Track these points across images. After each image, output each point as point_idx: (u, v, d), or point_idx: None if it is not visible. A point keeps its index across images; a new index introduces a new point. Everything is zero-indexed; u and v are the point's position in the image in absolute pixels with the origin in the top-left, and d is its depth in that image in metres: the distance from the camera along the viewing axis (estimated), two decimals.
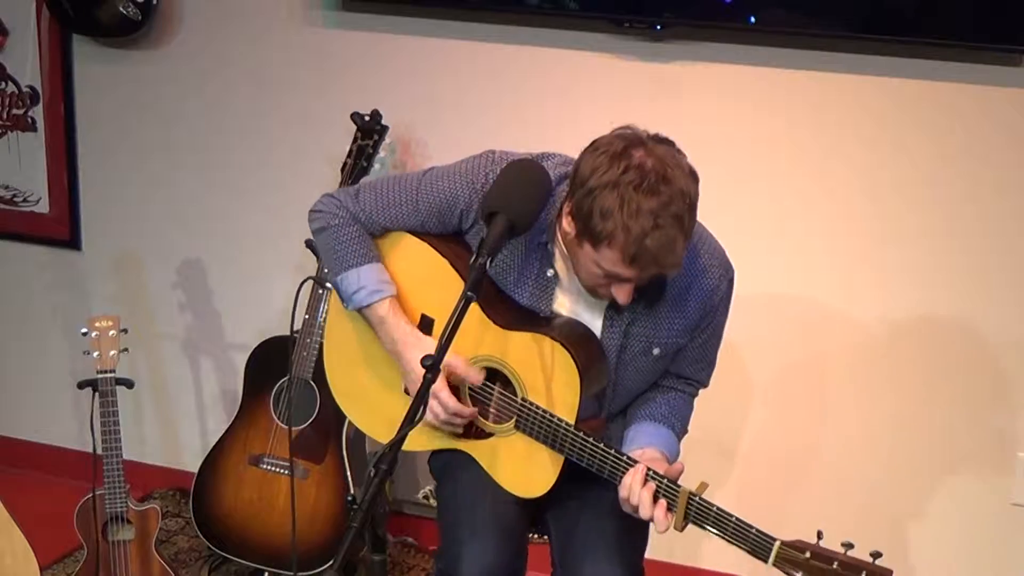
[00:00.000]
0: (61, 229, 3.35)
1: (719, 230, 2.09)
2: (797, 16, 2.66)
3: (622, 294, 1.91)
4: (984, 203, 2.69)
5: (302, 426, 2.80)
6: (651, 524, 2.19)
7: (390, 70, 2.99)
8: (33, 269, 3.43)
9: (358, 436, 2.85)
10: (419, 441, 2.11)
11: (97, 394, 2.57)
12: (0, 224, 3.40)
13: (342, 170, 2.81)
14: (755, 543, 1.82)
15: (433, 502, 2.26)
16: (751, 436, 2.96)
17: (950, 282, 2.75)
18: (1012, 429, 2.79)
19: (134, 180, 3.28)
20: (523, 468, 2.02)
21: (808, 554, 1.78)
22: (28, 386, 3.53)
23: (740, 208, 2.75)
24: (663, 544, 3.01)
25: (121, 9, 3.02)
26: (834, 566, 1.76)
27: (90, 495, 2.59)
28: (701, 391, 2.21)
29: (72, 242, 3.36)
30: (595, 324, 2.04)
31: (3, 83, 3.29)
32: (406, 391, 2.10)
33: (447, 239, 2.11)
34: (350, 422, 2.30)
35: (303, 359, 2.79)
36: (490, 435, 2.06)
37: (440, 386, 2.00)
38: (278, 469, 2.83)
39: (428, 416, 2.00)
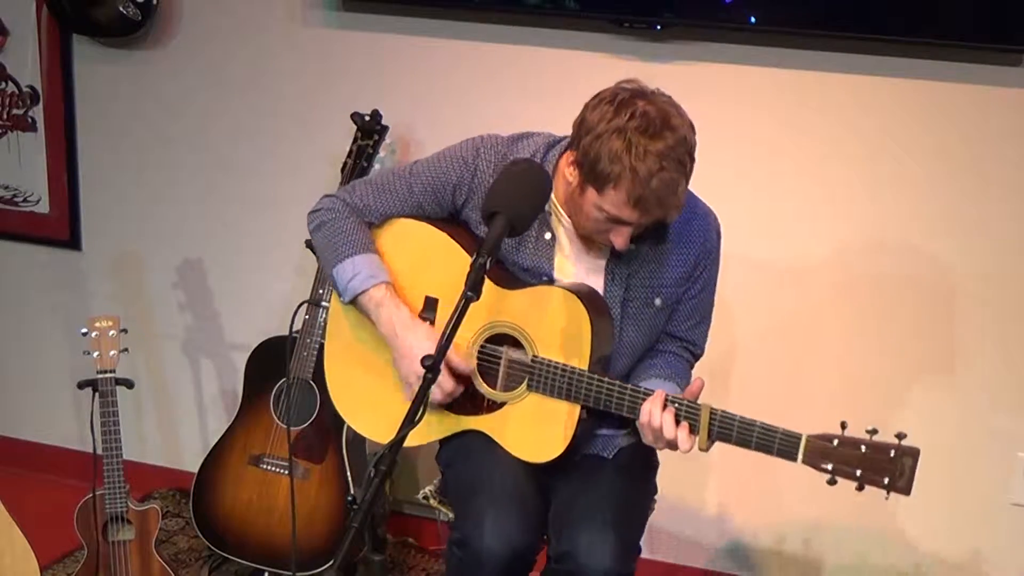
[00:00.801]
0: (61, 229, 3.35)
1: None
2: (797, 16, 2.66)
3: (620, 238, 1.97)
4: (984, 203, 2.68)
5: (302, 426, 2.80)
6: (651, 511, 2.22)
7: (390, 70, 2.99)
8: (33, 269, 3.43)
9: (358, 436, 2.84)
10: (427, 433, 2.12)
11: (97, 394, 2.57)
12: (0, 224, 3.40)
13: (342, 170, 2.81)
14: (782, 444, 1.85)
15: (433, 502, 2.26)
16: None
17: (950, 284, 2.74)
18: (1012, 429, 2.79)
19: (134, 180, 3.28)
20: (535, 433, 2.04)
21: (836, 442, 1.81)
22: (28, 386, 3.53)
23: (740, 208, 2.75)
24: (661, 543, 3.01)
25: (121, 9, 3.01)
26: (863, 450, 1.80)
27: (90, 495, 2.59)
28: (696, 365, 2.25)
29: (72, 242, 3.36)
30: (597, 282, 2.10)
31: (3, 83, 3.29)
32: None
33: (445, 219, 2.17)
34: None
35: (303, 359, 2.79)
36: (501, 406, 2.07)
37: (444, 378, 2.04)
38: (278, 469, 2.83)
39: (435, 396, 2.04)
